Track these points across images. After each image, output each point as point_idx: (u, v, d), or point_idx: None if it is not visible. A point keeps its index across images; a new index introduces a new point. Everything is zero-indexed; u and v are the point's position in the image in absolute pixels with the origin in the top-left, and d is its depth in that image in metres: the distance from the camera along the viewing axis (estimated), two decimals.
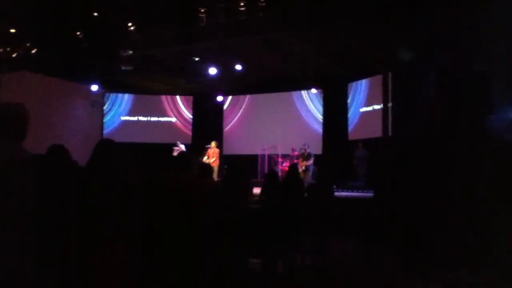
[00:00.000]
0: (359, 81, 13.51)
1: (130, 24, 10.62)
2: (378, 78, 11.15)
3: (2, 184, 2.19)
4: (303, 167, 11.58)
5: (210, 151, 12.38)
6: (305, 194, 6.37)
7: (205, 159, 12.12)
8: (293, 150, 13.02)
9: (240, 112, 16.49)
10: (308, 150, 12.01)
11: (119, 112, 16.35)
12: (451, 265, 1.27)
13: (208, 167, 5.54)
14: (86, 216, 2.69)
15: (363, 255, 6.69)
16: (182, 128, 16.79)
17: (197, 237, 3.52)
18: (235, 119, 16.58)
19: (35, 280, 2.30)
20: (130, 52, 11.41)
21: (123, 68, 12.31)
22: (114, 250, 2.70)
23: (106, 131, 16.00)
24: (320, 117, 14.92)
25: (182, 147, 13.26)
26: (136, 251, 2.92)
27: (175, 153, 12.34)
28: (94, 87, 14.23)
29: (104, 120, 16.07)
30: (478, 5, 5.95)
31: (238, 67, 12.36)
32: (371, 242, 6.72)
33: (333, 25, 9.48)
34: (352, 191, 11.35)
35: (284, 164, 12.95)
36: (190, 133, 16.69)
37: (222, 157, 13.31)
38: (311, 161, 11.78)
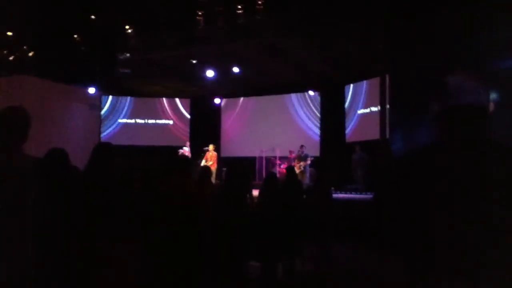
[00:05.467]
0: (357, 84, 13.53)
1: (128, 27, 10.62)
2: (376, 81, 11.17)
3: (2, 188, 2.18)
4: (301, 168, 11.56)
5: (208, 154, 12.37)
6: (304, 197, 6.35)
7: (203, 162, 12.10)
8: (291, 152, 13.02)
9: (237, 115, 16.49)
10: (305, 152, 12.00)
11: (117, 115, 16.32)
12: (452, 273, 1.26)
13: (207, 170, 5.54)
14: (85, 219, 2.68)
15: (363, 259, 6.67)
16: (180, 131, 16.77)
17: (197, 240, 3.51)
18: (233, 121, 16.57)
19: (36, 282, 2.29)
20: (128, 55, 11.41)
21: (121, 71, 12.30)
22: (114, 253, 2.69)
23: (104, 134, 15.96)
24: (318, 119, 14.93)
25: (187, 149, 13.28)
26: (136, 254, 2.91)
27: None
28: (92, 90, 14.19)
29: (102, 123, 16.04)
30: (478, 12, 5.95)
31: (236, 69, 12.35)
32: (371, 246, 6.70)
33: (331, 28, 9.49)
34: (350, 193, 11.34)
35: (282, 167, 12.95)
36: (187, 136, 16.66)
37: (220, 160, 13.29)
38: (308, 162, 11.76)
